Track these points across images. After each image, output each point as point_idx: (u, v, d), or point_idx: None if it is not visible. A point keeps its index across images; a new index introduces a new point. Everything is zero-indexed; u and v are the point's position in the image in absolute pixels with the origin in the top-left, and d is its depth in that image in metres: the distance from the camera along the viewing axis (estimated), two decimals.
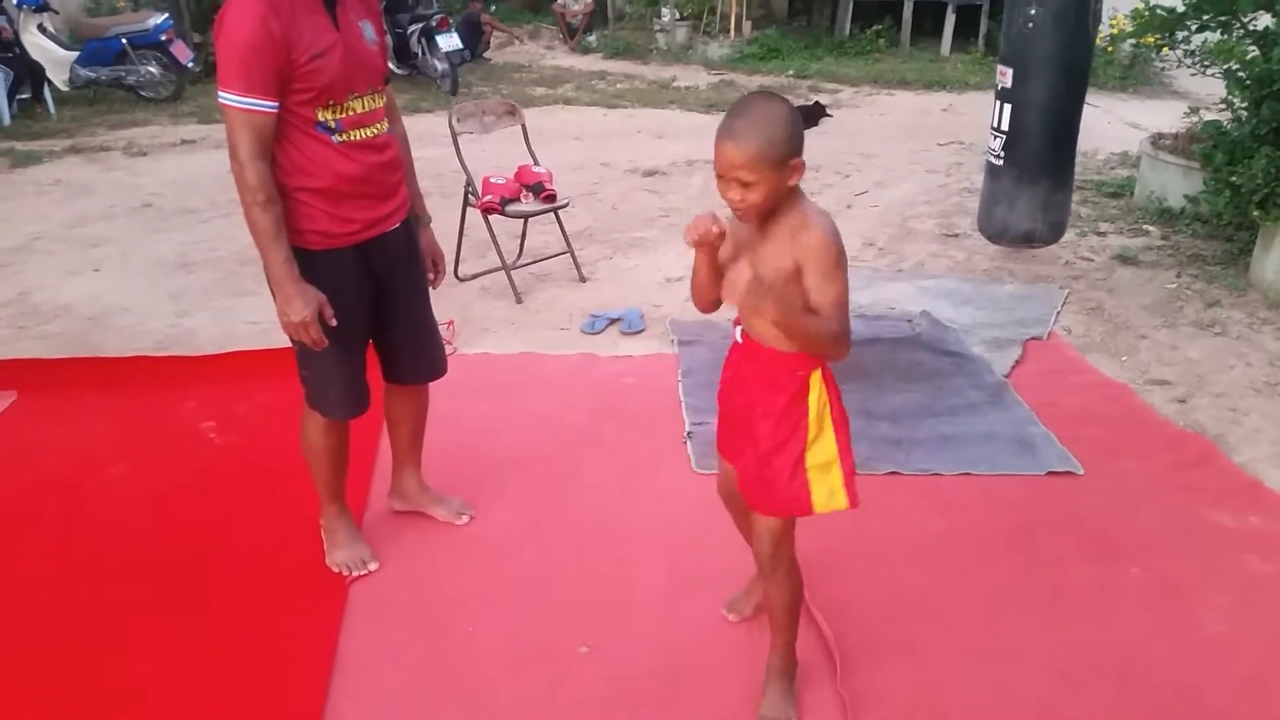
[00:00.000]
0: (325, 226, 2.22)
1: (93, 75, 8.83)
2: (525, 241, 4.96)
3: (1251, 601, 2.53)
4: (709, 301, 1.95)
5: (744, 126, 1.72)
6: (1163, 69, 11.15)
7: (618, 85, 11.09)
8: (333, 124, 2.16)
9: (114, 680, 2.24)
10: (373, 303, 2.40)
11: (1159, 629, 2.44)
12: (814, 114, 8.99)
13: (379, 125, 2.27)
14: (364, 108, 2.22)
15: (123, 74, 8.89)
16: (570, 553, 2.72)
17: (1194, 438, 3.33)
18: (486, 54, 12.50)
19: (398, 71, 9.96)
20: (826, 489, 1.96)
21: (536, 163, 4.77)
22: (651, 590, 2.56)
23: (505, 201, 4.54)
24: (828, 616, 2.39)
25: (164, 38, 8.90)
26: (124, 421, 3.36)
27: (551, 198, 4.63)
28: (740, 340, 1.98)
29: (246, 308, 4.38)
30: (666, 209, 6.08)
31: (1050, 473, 3.09)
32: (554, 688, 2.23)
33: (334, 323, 2.23)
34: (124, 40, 8.81)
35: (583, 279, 4.79)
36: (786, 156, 1.74)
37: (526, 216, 4.66)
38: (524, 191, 4.64)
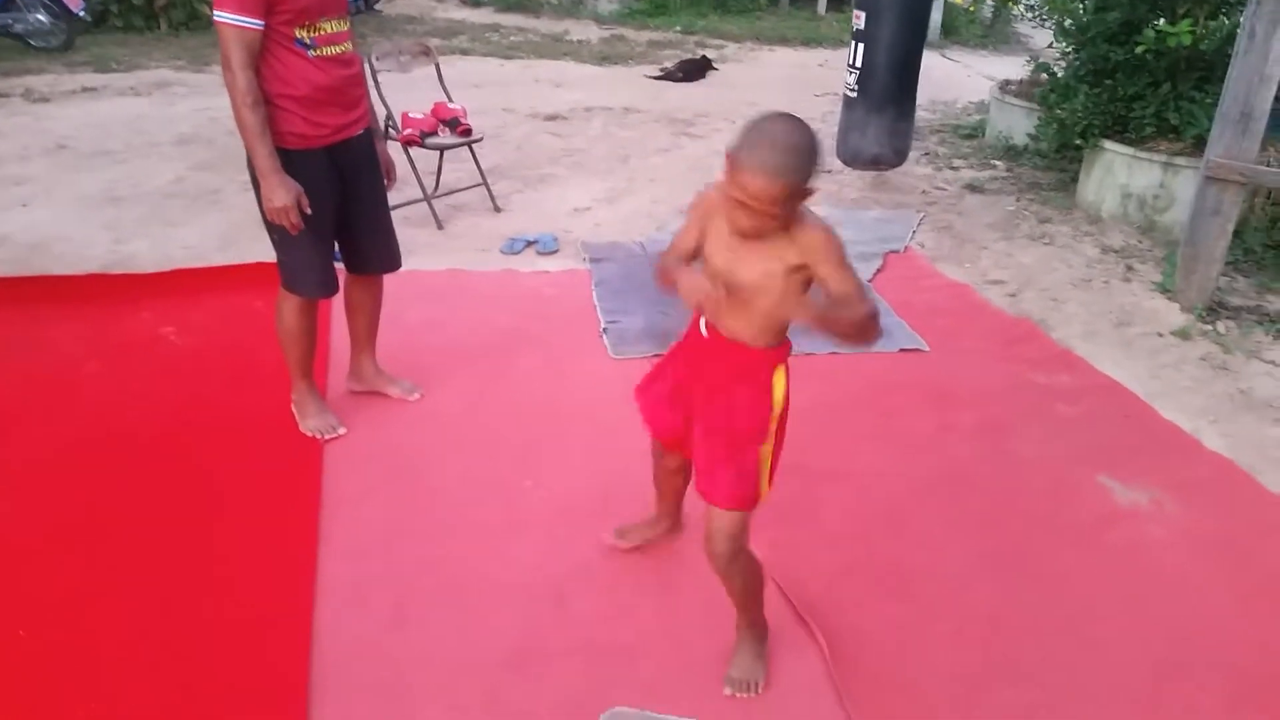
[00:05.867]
0: (301, 129, 2.62)
1: None
2: (441, 176, 5.35)
3: (1057, 433, 3.22)
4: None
5: (779, 162, 1.64)
6: (1018, 29, 12.08)
7: (511, 38, 11.39)
8: (308, 40, 2.56)
9: (120, 537, 2.54)
10: (340, 199, 2.81)
11: (985, 455, 3.09)
12: (701, 67, 9.63)
13: (346, 44, 2.68)
14: (333, 29, 2.62)
15: (9, 21, 8.73)
16: (511, 419, 3.20)
17: (1021, 322, 4.03)
18: (378, 5, 12.60)
19: None
20: (765, 479, 2.02)
21: (450, 100, 5.16)
22: (582, 442, 3.07)
23: (425, 135, 4.92)
24: None
25: None
26: (89, 329, 3.64)
27: (468, 132, 5.03)
28: (706, 334, 1.96)
29: (180, 235, 4.66)
30: (570, 149, 6.53)
31: (902, 350, 3.74)
32: (508, 511, 2.73)
33: (309, 211, 2.64)
34: None
35: (497, 209, 5.22)
36: (809, 186, 1.71)
37: (445, 148, 5.05)
38: (441, 126, 5.02)
